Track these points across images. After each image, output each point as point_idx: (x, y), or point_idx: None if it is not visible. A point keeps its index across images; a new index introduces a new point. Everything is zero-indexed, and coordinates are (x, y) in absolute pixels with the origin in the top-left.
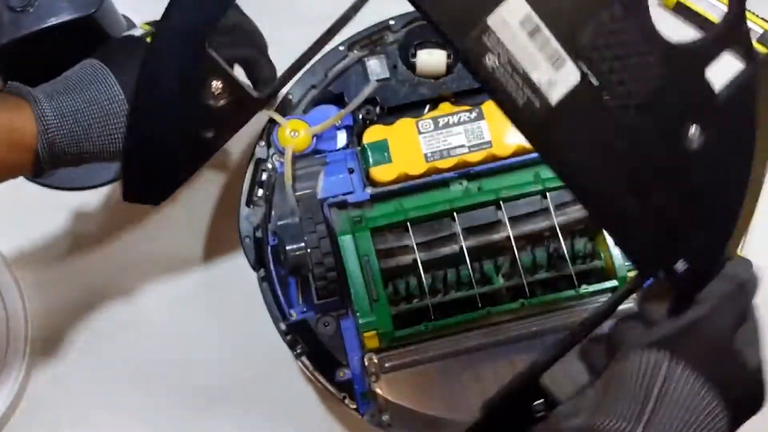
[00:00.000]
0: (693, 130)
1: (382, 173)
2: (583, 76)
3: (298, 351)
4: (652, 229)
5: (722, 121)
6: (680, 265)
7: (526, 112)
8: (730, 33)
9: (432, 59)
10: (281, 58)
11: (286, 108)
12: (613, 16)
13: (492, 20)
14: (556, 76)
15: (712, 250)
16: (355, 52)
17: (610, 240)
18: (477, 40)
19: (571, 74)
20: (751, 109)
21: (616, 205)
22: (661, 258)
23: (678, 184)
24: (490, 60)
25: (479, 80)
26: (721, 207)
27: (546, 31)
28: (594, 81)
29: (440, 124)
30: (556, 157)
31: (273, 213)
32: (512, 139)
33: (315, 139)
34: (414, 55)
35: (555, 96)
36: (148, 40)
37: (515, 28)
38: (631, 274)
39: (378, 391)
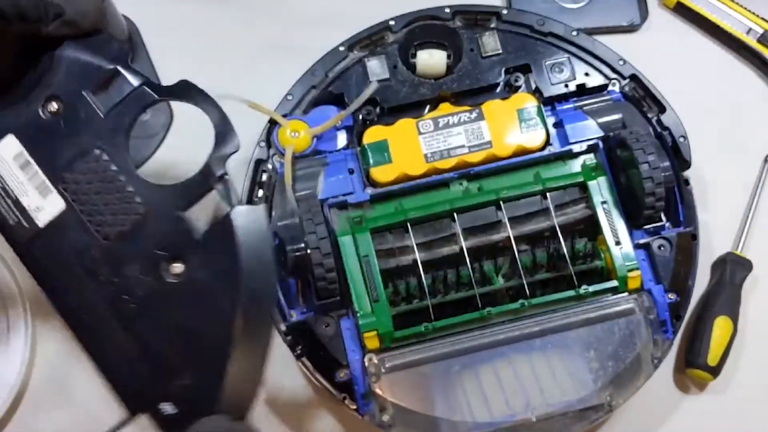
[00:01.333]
0: (174, 264)
1: (382, 174)
2: (69, 204)
3: (299, 352)
4: (138, 362)
5: (202, 257)
6: (168, 408)
7: (16, 230)
8: (208, 176)
9: (432, 59)
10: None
11: (286, 108)
12: (94, 159)
13: None
14: (43, 203)
15: (199, 395)
16: (355, 52)
17: (610, 240)
18: None
19: (57, 203)
20: (231, 245)
21: (99, 331)
22: (148, 397)
23: (161, 317)
24: None
25: None
26: (206, 346)
27: (35, 166)
28: (77, 209)
29: (440, 125)
30: (39, 274)
31: (273, 213)
32: (512, 140)
33: (315, 139)
34: (414, 56)
35: (42, 219)
36: None
37: (9, 161)
38: (632, 274)
39: (378, 391)
